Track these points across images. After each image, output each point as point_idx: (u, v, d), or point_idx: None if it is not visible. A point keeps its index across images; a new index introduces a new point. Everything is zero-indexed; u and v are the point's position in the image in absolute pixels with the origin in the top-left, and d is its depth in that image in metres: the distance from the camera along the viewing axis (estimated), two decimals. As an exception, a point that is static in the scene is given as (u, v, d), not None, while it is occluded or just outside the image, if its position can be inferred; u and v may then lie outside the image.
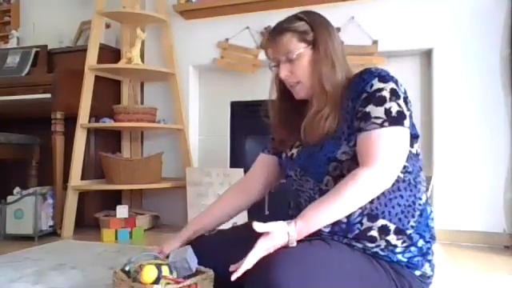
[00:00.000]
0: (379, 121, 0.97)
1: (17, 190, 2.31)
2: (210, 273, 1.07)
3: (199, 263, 1.15)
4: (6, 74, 2.66)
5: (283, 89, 1.20)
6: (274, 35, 1.14)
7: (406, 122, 0.99)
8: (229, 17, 2.59)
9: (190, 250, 1.08)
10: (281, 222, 0.95)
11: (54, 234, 2.32)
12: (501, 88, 2.13)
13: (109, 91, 2.73)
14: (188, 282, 1.01)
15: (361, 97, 1.01)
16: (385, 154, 0.96)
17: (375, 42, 2.27)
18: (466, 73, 2.18)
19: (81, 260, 1.74)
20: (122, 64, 2.53)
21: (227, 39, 2.59)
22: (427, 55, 2.32)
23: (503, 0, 2.13)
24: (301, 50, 1.10)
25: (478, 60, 2.16)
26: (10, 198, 2.28)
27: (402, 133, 0.99)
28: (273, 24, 2.62)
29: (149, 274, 0.99)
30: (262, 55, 2.52)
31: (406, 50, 2.30)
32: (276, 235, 0.94)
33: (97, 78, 2.52)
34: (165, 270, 1.02)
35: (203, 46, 2.65)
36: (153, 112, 2.58)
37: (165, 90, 2.74)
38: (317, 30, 1.11)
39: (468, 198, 2.15)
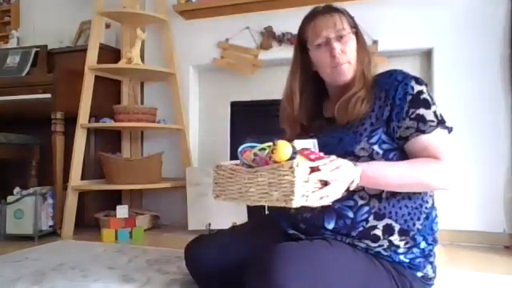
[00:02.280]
0: (434, 123, 1.03)
1: (17, 190, 2.31)
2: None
3: (201, 261, 1.15)
4: (6, 74, 2.66)
5: (308, 74, 1.21)
6: (327, 12, 1.15)
7: (448, 124, 1.06)
8: (229, 17, 2.59)
9: (316, 141, 1.03)
10: (347, 161, 0.96)
11: (54, 233, 2.32)
12: (501, 88, 2.13)
13: (109, 91, 2.73)
14: (322, 161, 0.92)
15: (406, 98, 1.04)
16: (450, 153, 1.03)
17: (375, 42, 2.27)
18: (466, 73, 2.17)
19: (81, 260, 1.74)
20: (122, 64, 2.53)
21: (227, 39, 2.59)
22: (427, 55, 2.32)
23: (503, 0, 2.13)
24: (351, 31, 1.13)
25: (478, 60, 2.15)
26: (10, 198, 2.28)
27: (448, 135, 1.06)
28: (273, 24, 2.61)
29: (286, 150, 0.91)
30: (262, 55, 2.52)
31: (406, 50, 2.30)
32: (345, 168, 0.93)
33: (97, 77, 2.52)
34: (298, 145, 0.95)
35: (203, 46, 2.65)
36: (153, 112, 2.58)
37: (165, 90, 2.74)
38: (355, 22, 1.17)
39: (468, 197, 2.15)
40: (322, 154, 0.96)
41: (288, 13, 2.42)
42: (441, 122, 1.04)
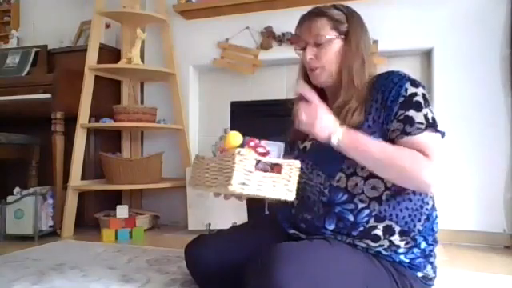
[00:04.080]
0: (423, 126, 0.99)
1: (17, 190, 2.31)
2: (297, 163, 1.00)
3: (201, 261, 1.16)
4: (6, 74, 2.66)
5: (307, 77, 1.20)
6: (308, 17, 1.14)
7: (439, 127, 1.02)
8: (229, 17, 2.59)
9: (282, 144, 1.06)
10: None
11: (54, 233, 2.32)
12: (501, 88, 2.12)
13: (109, 91, 2.73)
14: (274, 160, 0.97)
15: (398, 100, 1.02)
16: (439, 156, 0.98)
17: (375, 42, 2.26)
18: (466, 73, 2.17)
19: (81, 260, 1.74)
20: (121, 64, 2.53)
21: (227, 39, 2.59)
22: (427, 55, 2.32)
23: (503, 0, 2.13)
24: (331, 36, 1.11)
25: (478, 60, 2.15)
26: (9, 198, 2.28)
27: (440, 139, 1.02)
28: (273, 24, 2.62)
29: (235, 139, 0.97)
30: (262, 55, 2.52)
31: (405, 50, 2.30)
32: (326, 116, 1.00)
33: (97, 77, 2.52)
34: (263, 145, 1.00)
35: (203, 46, 2.65)
36: (153, 112, 2.58)
37: (165, 90, 2.74)
38: (351, 24, 1.13)
39: (468, 197, 2.15)
40: (274, 154, 1.01)
41: (288, 13, 2.42)
42: (431, 126, 1.00)
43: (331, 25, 1.11)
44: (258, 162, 0.94)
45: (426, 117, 1.00)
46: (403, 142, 1.00)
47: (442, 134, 1.03)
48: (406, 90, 1.03)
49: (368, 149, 0.98)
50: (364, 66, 1.11)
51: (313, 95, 1.04)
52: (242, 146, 0.97)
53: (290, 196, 0.98)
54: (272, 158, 0.98)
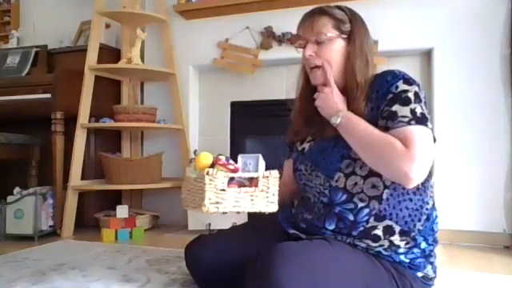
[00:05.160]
0: (406, 119, 0.98)
1: (17, 190, 2.31)
2: (275, 173, 1.00)
3: (201, 261, 1.16)
4: (6, 74, 2.66)
5: (307, 76, 1.20)
6: (310, 15, 1.14)
7: (429, 124, 1.00)
8: (229, 17, 2.59)
9: (260, 155, 1.05)
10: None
11: (54, 233, 2.32)
12: (501, 88, 2.12)
13: (109, 91, 2.73)
14: (246, 174, 0.98)
15: (386, 97, 1.02)
16: (421, 147, 0.96)
17: (375, 42, 2.26)
18: (466, 72, 2.17)
19: (81, 260, 1.74)
20: (121, 64, 2.53)
21: (227, 39, 2.59)
22: (427, 55, 2.32)
23: (503, 0, 2.13)
24: (333, 34, 1.11)
25: (478, 60, 2.15)
26: (9, 198, 2.27)
27: (427, 133, 0.99)
28: (273, 24, 2.63)
29: (206, 160, 0.99)
30: (261, 55, 2.52)
31: (406, 50, 2.30)
32: (336, 96, 1.07)
33: (97, 77, 2.52)
34: (241, 159, 1.02)
35: (203, 46, 2.65)
36: (153, 112, 2.58)
37: (165, 90, 2.74)
38: (354, 24, 1.13)
39: (468, 198, 2.15)
40: (251, 166, 1.01)
41: (288, 13, 2.42)
42: (418, 120, 0.98)
43: (333, 23, 1.11)
44: (232, 178, 0.95)
45: (413, 111, 0.99)
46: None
47: (434, 139, 1.02)
48: (396, 87, 1.03)
49: (356, 132, 1.01)
50: (368, 66, 1.11)
51: (332, 79, 1.10)
52: (212, 165, 0.98)
53: (272, 207, 0.99)
54: (245, 173, 0.98)
